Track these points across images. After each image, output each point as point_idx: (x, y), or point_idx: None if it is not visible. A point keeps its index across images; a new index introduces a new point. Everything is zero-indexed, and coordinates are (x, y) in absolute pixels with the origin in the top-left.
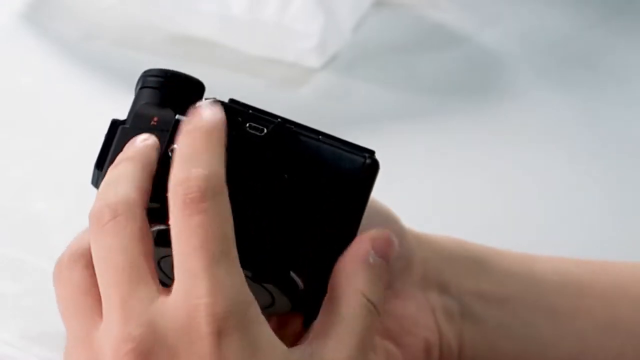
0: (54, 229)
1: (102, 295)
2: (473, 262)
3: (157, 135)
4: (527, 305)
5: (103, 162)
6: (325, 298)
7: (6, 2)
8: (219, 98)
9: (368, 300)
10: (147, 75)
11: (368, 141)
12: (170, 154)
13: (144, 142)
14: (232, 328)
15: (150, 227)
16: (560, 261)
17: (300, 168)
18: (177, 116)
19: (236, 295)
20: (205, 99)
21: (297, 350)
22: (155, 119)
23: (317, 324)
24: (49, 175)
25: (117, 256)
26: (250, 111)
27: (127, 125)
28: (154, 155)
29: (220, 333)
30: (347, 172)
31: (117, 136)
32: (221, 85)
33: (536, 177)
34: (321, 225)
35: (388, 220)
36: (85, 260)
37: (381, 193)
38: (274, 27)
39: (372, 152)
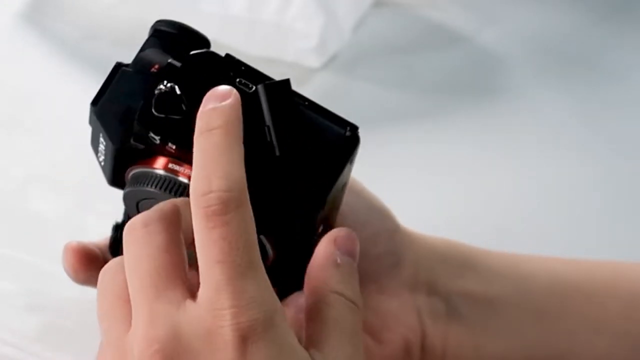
0: (54, 229)
1: (131, 301)
2: (462, 262)
3: (154, 82)
4: (514, 305)
5: (98, 100)
6: (306, 306)
7: (6, 2)
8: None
9: (347, 299)
10: (158, 24)
11: (368, 141)
12: (155, 92)
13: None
14: (257, 336)
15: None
16: (550, 261)
17: (281, 131)
18: (169, 60)
19: (260, 304)
20: (203, 50)
21: None
22: (157, 66)
23: (307, 331)
24: (49, 175)
25: (145, 264)
26: (243, 67)
27: (129, 69)
28: None
29: (244, 341)
30: (326, 142)
31: (116, 77)
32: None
33: (536, 176)
34: (293, 191)
35: (382, 216)
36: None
37: (380, 193)
38: (274, 27)
39: (355, 127)
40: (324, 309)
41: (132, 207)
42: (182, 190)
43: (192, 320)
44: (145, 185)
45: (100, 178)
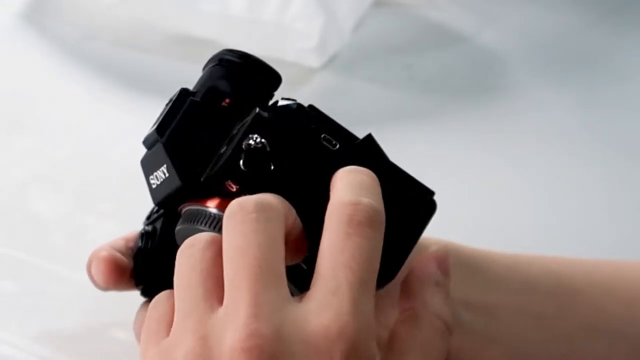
0: (54, 228)
1: (229, 284)
2: (463, 269)
3: (225, 118)
4: (515, 312)
5: (165, 129)
6: (402, 316)
7: (6, 2)
8: (299, 101)
9: (444, 323)
10: (227, 54)
11: None
12: (244, 147)
13: None
14: (360, 356)
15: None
16: (550, 262)
17: None
18: (257, 109)
19: (369, 324)
20: (283, 98)
21: None
22: (228, 100)
23: (397, 341)
24: (49, 175)
25: (256, 251)
26: (327, 121)
27: (197, 98)
28: None
29: (349, 356)
30: (405, 208)
31: (185, 107)
32: None
33: (536, 176)
34: None
35: None
36: (219, 248)
37: None
38: (274, 27)
39: (432, 193)
40: (415, 331)
41: None
42: None
43: (298, 322)
44: (199, 224)
45: (100, 178)
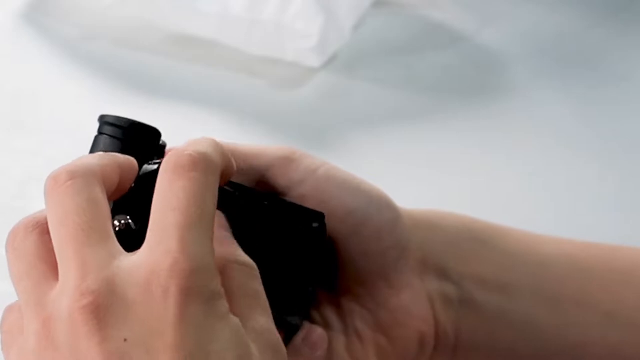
0: None
1: (58, 256)
2: (476, 244)
3: None
4: (530, 292)
5: None
6: None
7: (6, 2)
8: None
9: (240, 264)
10: (105, 122)
11: (368, 141)
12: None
13: None
14: (196, 291)
15: None
16: (567, 245)
17: (243, 234)
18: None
19: (204, 260)
20: (149, 163)
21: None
22: None
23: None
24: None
25: (74, 216)
26: None
27: None
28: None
29: (182, 292)
30: (294, 237)
31: None
32: (221, 85)
33: (535, 174)
34: (271, 285)
35: (381, 208)
36: (41, 228)
37: None
38: (274, 27)
39: (321, 216)
40: (225, 282)
41: None
42: None
43: (129, 270)
44: None
45: None
